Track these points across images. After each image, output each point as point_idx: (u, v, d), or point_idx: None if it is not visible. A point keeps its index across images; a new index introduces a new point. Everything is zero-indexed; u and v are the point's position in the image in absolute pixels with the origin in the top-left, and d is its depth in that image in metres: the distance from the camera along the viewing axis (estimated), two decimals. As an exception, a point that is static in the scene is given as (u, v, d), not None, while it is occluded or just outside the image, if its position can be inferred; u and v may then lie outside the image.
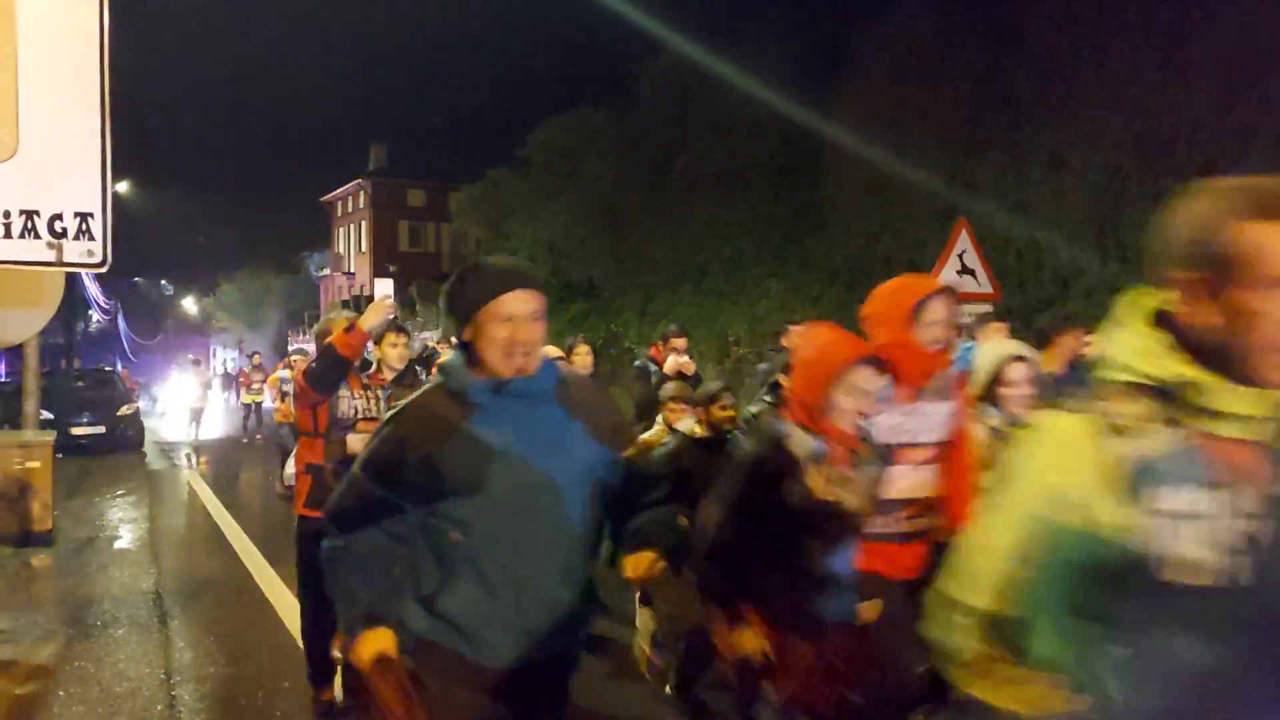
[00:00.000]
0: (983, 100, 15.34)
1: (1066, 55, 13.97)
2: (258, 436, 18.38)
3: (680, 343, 6.81)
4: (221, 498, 11.55)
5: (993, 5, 15.47)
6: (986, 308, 10.57)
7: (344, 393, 4.23)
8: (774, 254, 19.75)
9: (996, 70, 15.10)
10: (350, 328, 3.90)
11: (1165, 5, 12.67)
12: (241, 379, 20.35)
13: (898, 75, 16.98)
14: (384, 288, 5.71)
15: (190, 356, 25.73)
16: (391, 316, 4.22)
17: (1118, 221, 12.37)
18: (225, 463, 15.95)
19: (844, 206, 17.84)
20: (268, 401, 18.98)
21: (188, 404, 20.75)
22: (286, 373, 12.10)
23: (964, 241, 10.54)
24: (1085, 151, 13.08)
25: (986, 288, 10.72)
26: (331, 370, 3.96)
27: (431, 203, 45.08)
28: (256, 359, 20.56)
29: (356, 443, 4.08)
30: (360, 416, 4.25)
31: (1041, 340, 4.87)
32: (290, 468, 4.89)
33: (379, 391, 4.42)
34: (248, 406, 19.50)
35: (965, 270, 10.31)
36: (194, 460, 16.23)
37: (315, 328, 4.57)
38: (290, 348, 42.21)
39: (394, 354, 4.97)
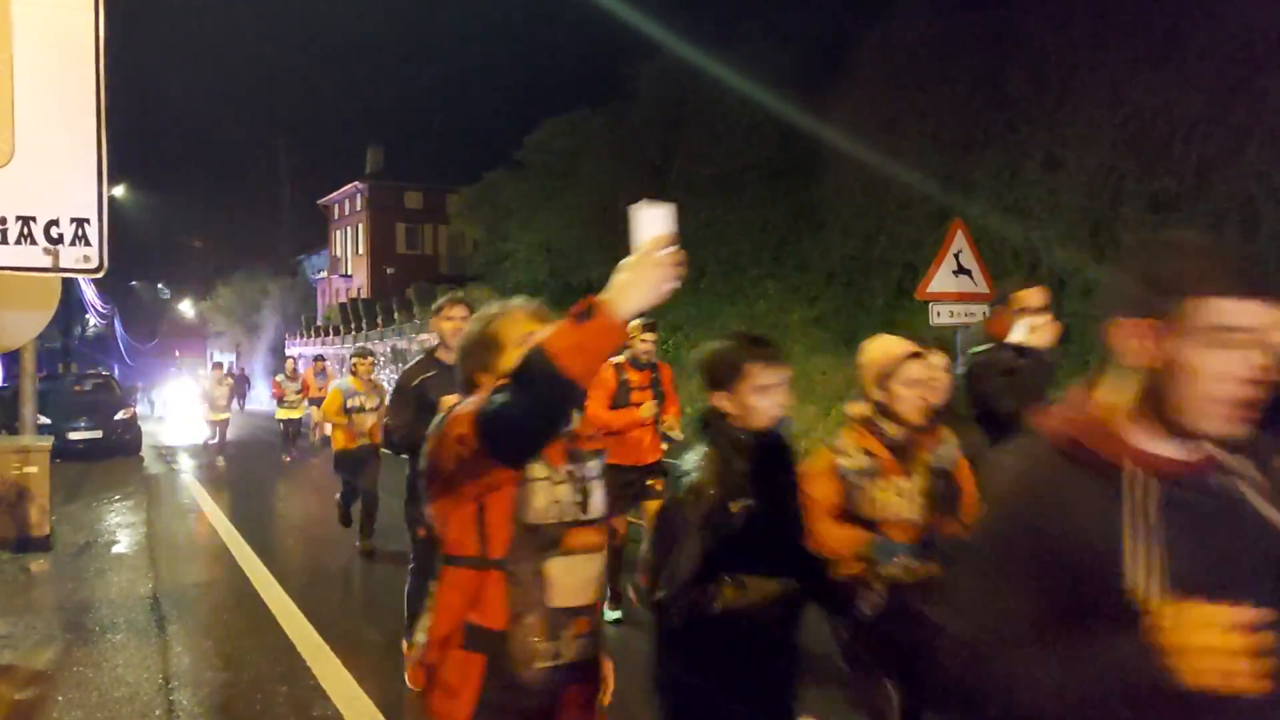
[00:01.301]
0: (979, 101, 15.37)
1: (1063, 56, 13.99)
2: (285, 457, 15.99)
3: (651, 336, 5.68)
4: (219, 502, 11.55)
5: (989, 6, 15.49)
6: (983, 308, 10.59)
7: (539, 470, 2.02)
8: (771, 255, 19.77)
9: (992, 71, 15.12)
10: (586, 312, 1.76)
11: (1161, 5, 12.69)
12: (275, 391, 16.99)
13: (894, 77, 17.01)
14: (656, 220, 1.79)
15: (214, 360, 24.10)
16: (676, 285, 1.91)
17: (1113, 221, 12.40)
18: (229, 468, 15.91)
19: (840, 207, 17.86)
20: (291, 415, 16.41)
21: (207, 415, 17.06)
22: (348, 381, 8.40)
23: (960, 242, 10.55)
24: (1081, 152, 13.10)
25: (982, 288, 10.73)
26: (545, 411, 1.84)
27: (429, 205, 45.16)
28: (290, 366, 17.67)
29: (564, 578, 2.02)
30: (569, 521, 2.05)
31: None
32: (420, 635, 2.12)
33: (587, 465, 2.14)
34: (283, 423, 16.47)
35: (961, 270, 10.32)
36: (208, 474, 15.69)
37: (464, 336, 2.27)
38: (288, 350, 42.13)
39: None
